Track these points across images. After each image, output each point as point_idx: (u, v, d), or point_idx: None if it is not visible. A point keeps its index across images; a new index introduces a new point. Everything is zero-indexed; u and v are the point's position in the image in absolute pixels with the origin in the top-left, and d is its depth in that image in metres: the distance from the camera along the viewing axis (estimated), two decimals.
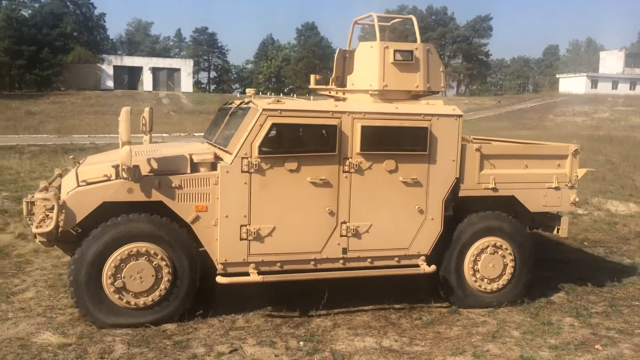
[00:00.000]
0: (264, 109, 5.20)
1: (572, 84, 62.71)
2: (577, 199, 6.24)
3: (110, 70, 54.21)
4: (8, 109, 36.61)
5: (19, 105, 38.92)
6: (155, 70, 55.92)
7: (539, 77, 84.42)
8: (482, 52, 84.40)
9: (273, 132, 5.27)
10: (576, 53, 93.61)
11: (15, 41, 49.69)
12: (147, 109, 6.64)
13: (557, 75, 69.41)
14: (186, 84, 56.97)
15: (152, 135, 6.81)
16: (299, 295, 5.96)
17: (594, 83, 63.53)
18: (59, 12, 58.32)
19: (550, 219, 6.52)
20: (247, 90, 5.77)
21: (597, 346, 5.20)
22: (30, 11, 58.39)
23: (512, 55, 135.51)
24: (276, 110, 5.23)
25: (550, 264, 7.86)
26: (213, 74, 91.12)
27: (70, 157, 6.69)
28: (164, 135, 23.57)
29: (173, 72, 56.81)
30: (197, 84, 74.01)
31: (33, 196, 5.27)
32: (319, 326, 5.46)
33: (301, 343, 5.08)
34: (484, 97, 60.33)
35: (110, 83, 53.47)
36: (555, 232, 6.42)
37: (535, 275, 7.24)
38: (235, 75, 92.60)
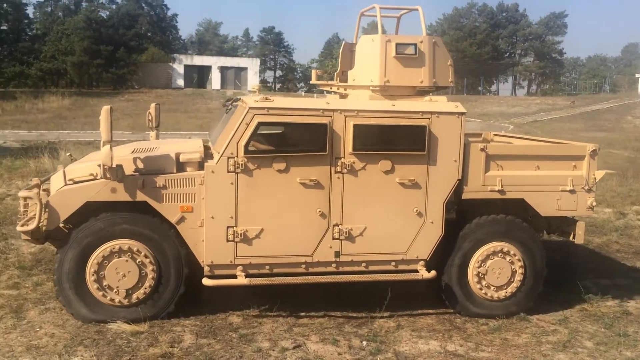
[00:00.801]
0: (250, 107, 5.08)
1: None
2: (594, 203, 5.79)
3: (181, 69, 55.90)
4: (87, 106, 38.50)
5: (97, 102, 40.86)
6: (223, 69, 57.21)
7: (617, 77, 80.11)
8: (556, 51, 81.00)
9: (260, 131, 5.16)
10: None
11: (94, 41, 52.15)
12: (153, 105, 6.65)
13: (637, 75, 65.71)
14: (253, 82, 57.87)
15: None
16: (361, 295, 5.95)
17: None
18: (134, 13, 60.75)
19: (565, 224, 6.10)
20: (252, 86, 5.62)
21: None
22: (108, 12, 61.18)
23: (588, 54, 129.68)
24: (263, 108, 5.09)
25: (626, 272, 7.48)
26: (279, 72, 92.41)
27: (67, 154, 6.82)
28: None
29: (240, 71, 57.93)
30: (263, 82, 75.19)
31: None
32: (382, 327, 5.43)
33: (364, 342, 5.07)
34: (557, 97, 57.89)
35: (180, 82, 55.15)
36: (571, 238, 6.00)
37: (610, 284, 6.93)
38: (300, 74, 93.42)
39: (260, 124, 5.10)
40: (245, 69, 58.29)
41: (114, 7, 63.32)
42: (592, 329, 5.59)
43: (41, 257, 7.11)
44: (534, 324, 5.69)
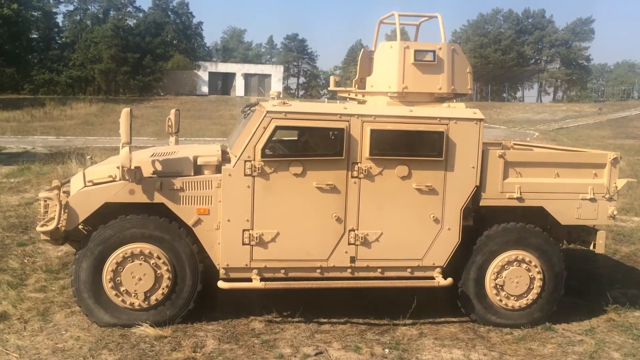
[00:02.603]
0: (267, 111, 5.11)
1: None
2: (615, 212, 5.67)
3: (205, 77, 56.54)
4: (113, 113, 39.08)
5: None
6: (247, 76, 57.68)
7: None
8: (583, 57, 79.83)
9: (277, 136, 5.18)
10: None
11: (121, 49, 53.13)
12: (173, 111, 6.71)
13: None
14: (276, 89, 58.26)
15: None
16: (383, 302, 5.92)
17: None
18: (160, 21, 61.80)
19: (586, 233, 6.00)
20: (271, 92, 5.68)
21: None
22: (135, 21, 62.30)
23: (615, 60, 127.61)
24: (281, 112, 5.12)
25: None
26: (302, 79, 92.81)
27: (88, 157, 6.91)
28: None
29: (264, 78, 58.32)
30: (286, 89, 75.61)
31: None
32: (404, 334, 5.40)
33: (386, 350, 5.04)
34: (584, 103, 56.95)
35: (205, 88, 55.76)
36: (591, 247, 5.89)
37: (639, 294, 6.78)
38: (323, 81, 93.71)
39: (277, 128, 5.13)
40: (269, 75, 58.67)
41: (140, 15, 64.59)
42: (619, 340, 5.48)
43: (68, 260, 7.24)
44: (560, 333, 5.59)
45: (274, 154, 5.21)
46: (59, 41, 60.35)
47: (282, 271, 5.33)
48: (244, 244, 5.21)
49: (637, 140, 30.80)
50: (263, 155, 5.10)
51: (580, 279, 7.16)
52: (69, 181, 6.01)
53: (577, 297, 6.53)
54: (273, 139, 5.18)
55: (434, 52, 5.60)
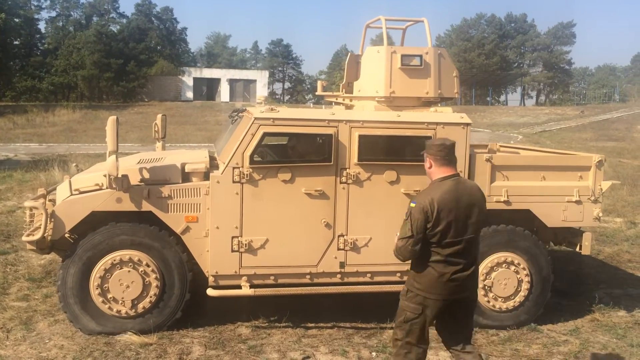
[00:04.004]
0: (255, 118, 5.10)
1: None
2: (600, 214, 5.75)
3: (190, 82, 56.33)
4: (97, 119, 38.81)
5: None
6: (232, 82, 57.55)
7: (627, 86, 79.77)
8: (564, 60, 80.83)
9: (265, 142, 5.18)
10: None
11: (104, 55, 52.80)
12: (159, 116, 6.66)
13: None
14: (261, 94, 58.00)
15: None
16: (370, 305, 5.92)
17: None
18: (144, 27, 61.52)
19: (572, 235, 6.06)
20: (258, 97, 5.66)
21: None
22: (118, 27, 61.95)
23: (597, 64, 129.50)
24: (269, 119, 5.11)
25: (638, 282, 7.41)
26: (287, 84, 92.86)
27: (74, 164, 6.84)
28: None
29: (249, 83, 58.24)
30: (271, 94, 75.57)
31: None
32: (391, 337, 5.40)
33: (373, 354, 5.05)
34: (566, 106, 57.61)
35: (189, 94, 55.54)
36: (577, 249, 5.96)
37: (622, 294, 6.86)
38: (308, 86, 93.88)
39: (265, 135, 5.13)
40: (254, 81, 58.60)
41: (124, 21, 64.20)
42: (603, 340, 5.53)
43: (51, 268, 7.15)
44: (545, 334, 5.64)
45: (262, 161, 5.20)
46: (41, 47, 59.80)
47: (272, 278, 5.32)
48: (233, 251, 5.18)
49: (619, 142, 31.23)
50: (251, 162, 5.09)
51: (565, 280, 7.23)
52: (54, 189, 5.94)
53: (562, 297, 6.59)
54: (261, 145, 5.17)
55: (420, 56, 5.64)
